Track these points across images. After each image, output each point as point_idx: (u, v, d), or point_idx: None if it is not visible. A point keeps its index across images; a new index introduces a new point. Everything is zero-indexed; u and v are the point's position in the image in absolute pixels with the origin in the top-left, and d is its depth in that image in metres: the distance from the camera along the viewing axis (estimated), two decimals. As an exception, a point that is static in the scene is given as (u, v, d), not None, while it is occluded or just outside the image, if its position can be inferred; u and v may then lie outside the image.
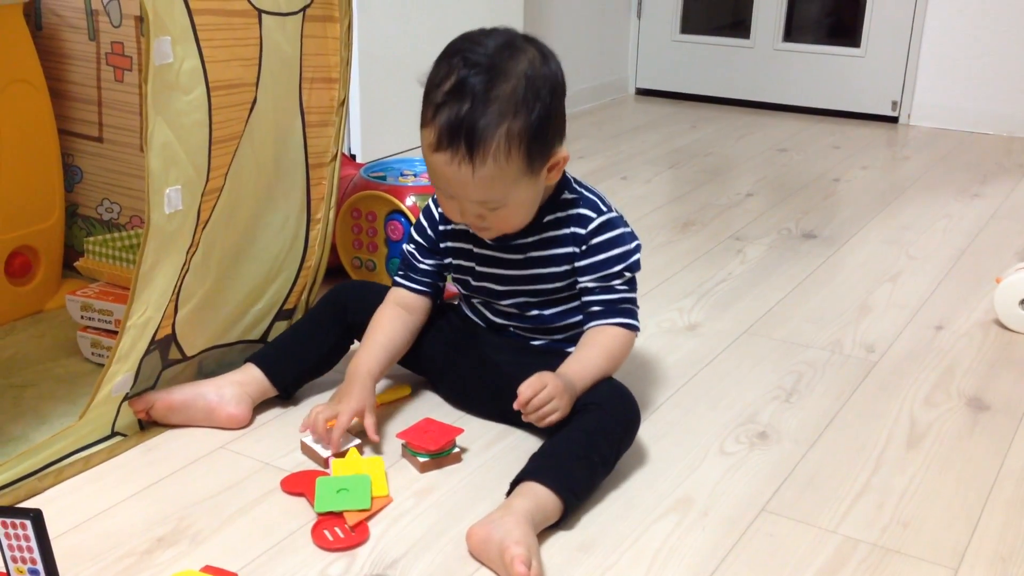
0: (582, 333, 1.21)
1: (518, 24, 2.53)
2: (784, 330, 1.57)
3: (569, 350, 1.22)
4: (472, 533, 0.99)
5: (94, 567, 0.98)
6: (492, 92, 1.05)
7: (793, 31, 3.25)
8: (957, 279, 1.79)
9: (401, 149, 2.19)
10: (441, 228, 1.25)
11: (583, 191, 1.20)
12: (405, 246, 1.29)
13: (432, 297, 1.29)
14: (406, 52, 2.17)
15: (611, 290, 1.18)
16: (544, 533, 1.03)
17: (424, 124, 1.09)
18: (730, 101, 3.30)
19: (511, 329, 1.26)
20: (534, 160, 1.09)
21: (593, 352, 1.16)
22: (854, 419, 1.30)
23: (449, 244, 1.25)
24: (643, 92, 3.48)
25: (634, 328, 1.20)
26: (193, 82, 1.12)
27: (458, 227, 1.23)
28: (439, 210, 1.24)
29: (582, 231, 1.17)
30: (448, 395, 1.31)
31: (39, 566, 0.88)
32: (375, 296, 1.31)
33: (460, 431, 1.19)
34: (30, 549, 0.89)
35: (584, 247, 1.18)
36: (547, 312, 1.23)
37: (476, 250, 1.22)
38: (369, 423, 1.17)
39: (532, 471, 1.05)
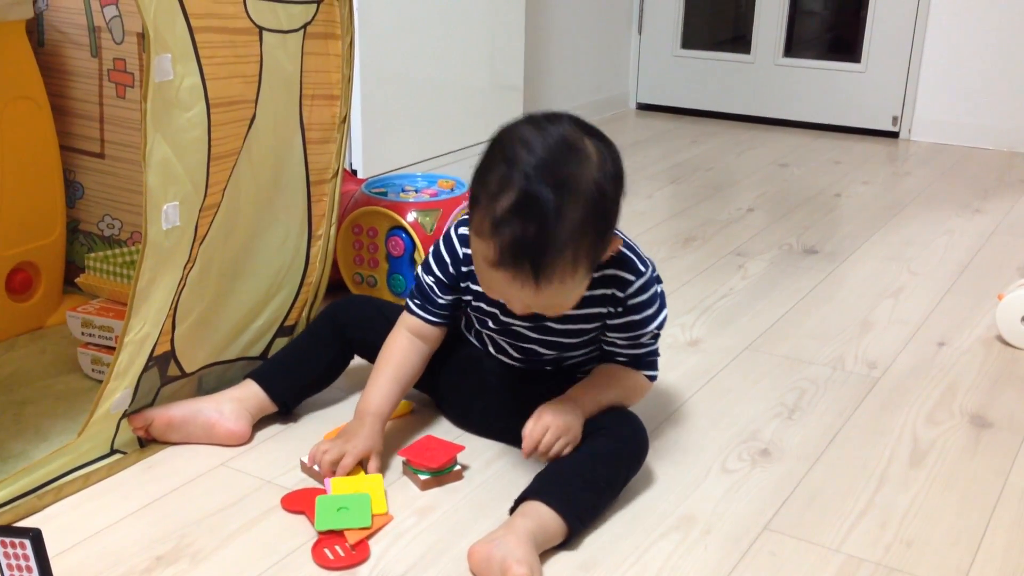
0: (591, 367, 1.21)
1: (519, 38, 2.54)
2: (786, 346, 1.56)
3: (578, 376, 1.21)
4: (473, 552, 0.98)
5: (93, 586, 0.98)
6: (562, 213, 0.96)
7: (794, 46, 3.25)
8: (959, 295, 1.79)
9: (403, 164, 2.19)
10: (464, 269, 1.17)
11: (624, 250, 1.13)
12: (424, 276, 1.21)
13: (447, 327, 1.23)
14: (408, 68, 2.18)
15: (639, 346, 1.17)
16: (545, 552, 1.03)
17: (479, 234, 1.00)
18: (731, 116, 3.30)
19: (517, 363, 1.23)
20: (596, 260, 1.05)
21: (610, 384, 1.16)
22: (856, 436, 1.29)
23: (472, 286, 1.17)
24: (644, 107, 3.48)
25: (654, 379, 1.20)
26: (193, 99, 1.12)
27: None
28: (463, 249, 1.16)
29: (621, 294, 1.13)
30: (450, 414, 1.31)
31: (38, 586, 0.88)
32: (374, 311, 1.30)
33: (461, 448, 1.19)
34: (29, 569, 0.88)
35: (620, 308, 1.14)
36: (565, 361, 1.22)
37: (501, 313, 1.17)
38: (373, 466, 1.15)
39: (538, 491, 1.04)
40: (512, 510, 1.05)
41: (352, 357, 1.33)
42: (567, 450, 1.09)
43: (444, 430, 1.28)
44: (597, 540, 1.06)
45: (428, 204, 1.61)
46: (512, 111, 2.59)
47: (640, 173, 2.63)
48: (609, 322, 1.16)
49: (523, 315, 1.11)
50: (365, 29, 1.98)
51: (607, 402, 1.15)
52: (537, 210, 0.96)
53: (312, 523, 1.07)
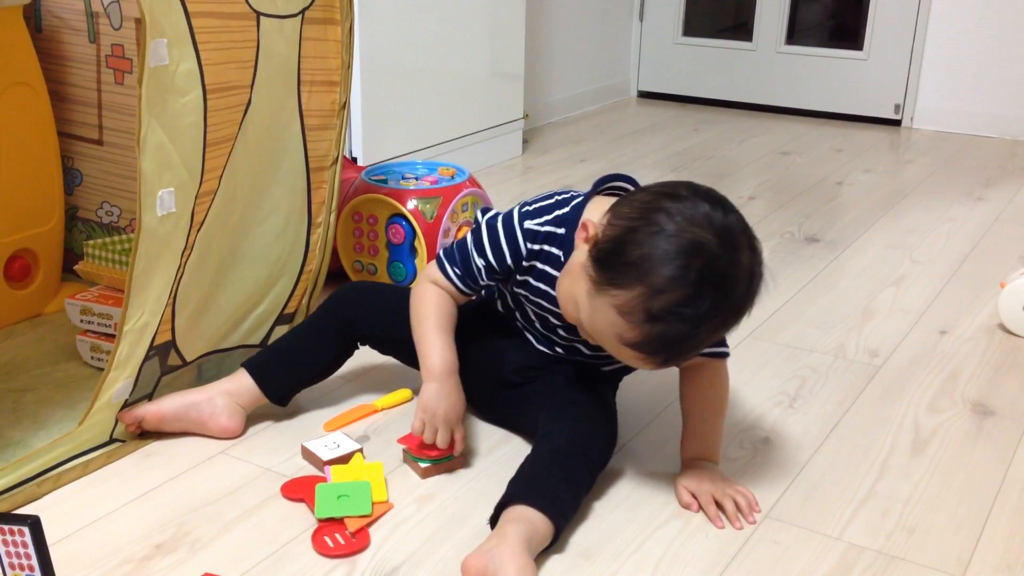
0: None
1: (519, 26, 2.52)
2: (787, 335, 1.56)
3: (606, 369, 1.20)
4: (468, 565, 0.95)
5: (92, 574, 0.97)
6: (710, 320, 0.96)
7: (796, 34, 3.24)
8: (961, 283, 1.78)
9: (403, 152, 2.18)
10: (525, 264, 1.13)
11: None
12: (474, 255, 1.14)
13: (532, 309, 1.19)
14: (408, 55, 2.17)
15: None
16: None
17: (625, 315, 0.96)
18: (732, 104, 3.29)
19: (553, 348, 1.21)
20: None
21: (709, 419, 1.14)
22: (858, 425, 1.29)
23: (531, 281, 1.14)
24: (645, 95, 3.47)
25: (724, 355, 1.15)
26: (189, 84, 1.11)
27: (547, 270, 1.12)
28: (529, 245, 1.11)
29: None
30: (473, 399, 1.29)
31: (37, 573, 0.88)
32: (384, 304, 1.25)
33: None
34: (28, 556, 0.88)
35: None
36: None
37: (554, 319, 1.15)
38: (460, 432, 1.14)
39: (520, 494, 1.01)
40: (492, 518, 1.02)
41: (355, 350, 1.29)
42: (741, 500, 1.08)
43: (444, 418, 1.27)
44: (597, 528, 1.06)
45: (428, 192, 1.60)
46: (513, 99, 2.58)
47: (641, 161, 2.62)
48: None
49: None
50: (365, 15, 1.97)
51: (719, 432, 1.15)
52: (696, 312, 0.95)
53: (312, 511, 1.06)
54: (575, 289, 1.03)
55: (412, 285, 1.21)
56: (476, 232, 1.15)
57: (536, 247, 1.12)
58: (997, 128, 2.93)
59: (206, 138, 1.14)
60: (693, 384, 1.16)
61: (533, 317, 1.19)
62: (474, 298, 1.21)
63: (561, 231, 1.10)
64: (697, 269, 0.94)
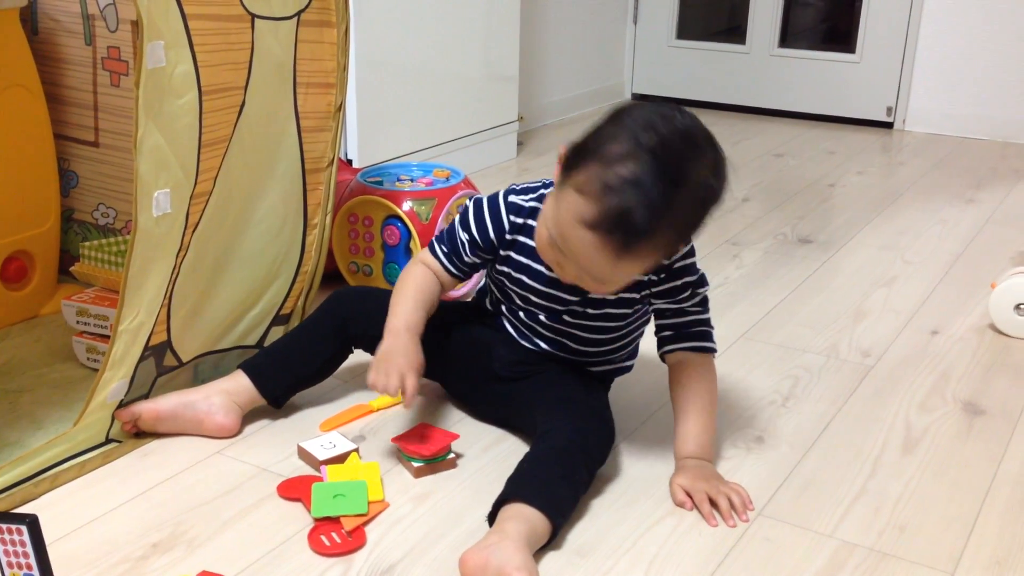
0: (611, 355, 1.22)
1: (514, 29, 2.53)
2: (780, 335, 1.57)
3: (595, 370, 1.22)
4: (467, 559, 0.95)
5: (89, 573, 0.98)
6: (670, 201, 0.98)
7: (789, 37, 3.25)
8: (952, 284, 1.79)
9: (398, 154, 2.19)
10: (508, 238, 1.17)
11: None
12: (459, 230, 1.19)
13: (459, 283, 1.25)
14: (403, 57, 2.18)
15: (684, 313, 1.17)
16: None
17: (580, 190, 0.99)
18: (726, 106, 3.31)
19: (540, 344, 1.22)
20: (670, 258, 1.09)
21: (699, 417, 1.15)
22: (850, 424, 1.30)
23: (513, 255, 1.18)
24: (639, 97, 3.48)
25: (710, 350, 1.18)
26: (186, 86, 1.12)
27: (529, 243, 1.15)
28: (512, 217, 1.17)
29: (665, 260, 1.12)
30: (454, 392, 1.31)
31: (35, 572, 0.88)
32: (377, 305, 1.26)
33: (455, 436, 1.19)
34: (26, 555, 0.88)
35: (664, 275, 1.14)
36: (593, 338, 1.20)
37: (548, 272, 1.15)
38: (411, 386, 1.12)
39: (518, 492, 1.02)
40: (491, 515, 1.03)
41: (351, 351, 1.31)
42: (735, 498, 1.09)
43: (439, 418, 1.28)
44: (592, 526, 1.07)
45: (424, 193, 1.61)
46: (507, 101, 2.59)
47: (635, 163, 2.63)
48: (654, 289, 1.15)
49: (567, 283, 1.11)
50: (360, 18, 1.97)
51: (710, 428, 1.16)
52: (650, 192, 0.97)
53: (308, 510, 1.07)
54: (546, 215, 1.06)
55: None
56: (464, 211, 1.20)
57: (520, 221, 1.16)
58: (988, 130, 2.95)
59: (201, 139, 1.15)
60: (681, 383, 1.17)
61: (518, 301, 1.20)
62: (464, 288, 1.24)
63: None
64: (649, 147, 0.97)
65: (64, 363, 1.40)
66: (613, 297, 1.16)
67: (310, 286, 1.44)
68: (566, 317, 1.18)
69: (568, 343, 1.20)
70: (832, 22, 3.48)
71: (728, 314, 1.65)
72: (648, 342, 1.52)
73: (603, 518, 1.08)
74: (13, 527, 0.88)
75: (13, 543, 0.88)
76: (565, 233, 1.02)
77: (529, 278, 1.17)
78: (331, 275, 1.62)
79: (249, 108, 1.23)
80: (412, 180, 1.69)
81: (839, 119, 3.15)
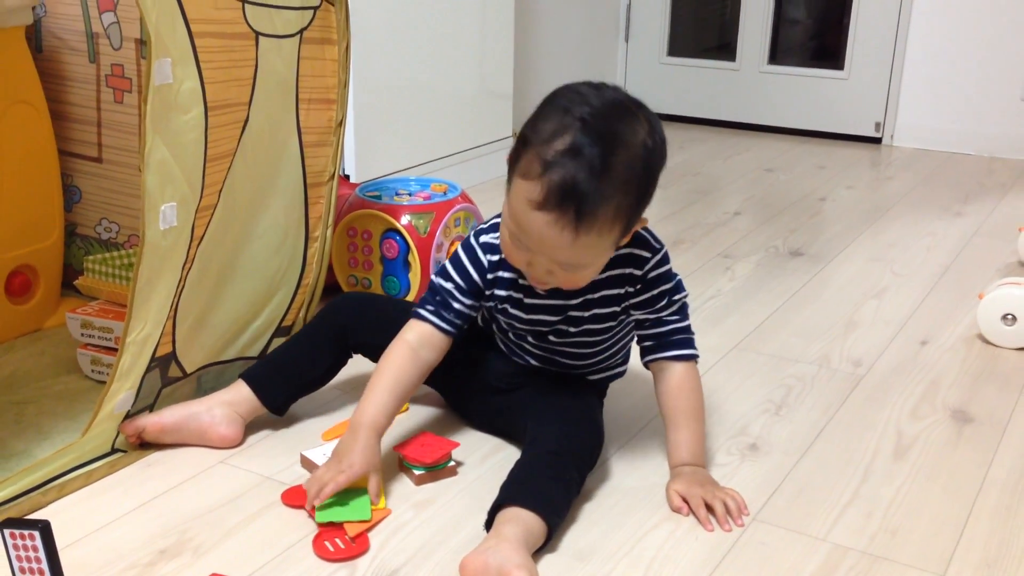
0: (602, 364, 1.24)
1: (508, 47, 2.57)
2: (773, 345, 1.60)
3: (592, 378, 1.25)
4: (467, 564, 0.96)
5: (98, 578, 1.00)
6: (610, 163, 1.00)
7: (778, 54, 3.30)
8: (941, 295, 1.83)
9: (395, 170, 2.22)
10: (490, 276, 1.18)
11: (637, 230, 1.15)
12: (440, 282, 1.19)
13: (456, 338, 1.20)
14: (399, 75, 2.21)
15: (662, 323, 1.18)
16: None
17: (525, 176, 1.02)
18: (717, 122, 3.35)
19: (531, 361, 1.25)
20: (628, 231, 1.08)
21: (689, 428, 1.17)
22: (842, 431, 1.32)
23: (497, 292, 1.19)
24: (631, 114, 3.52)
25: (691, 357, 1.19)
26: (192, 102, 1.15)
27: (507, 276, 1.18)
28: (488, 257, 1.18)
29: (638, 272, 1.16)
30: (452, 401, 1.33)
31: (46, 576, 0.90)
32: (375, 312, 1.30)
33: (456, 445, 1.22)
34: (38, 560, 0.90)
35: (639, 285, 1.16)
36: (580, 352, 1.22)
37: (527, 300, 1.18)
38: (373, 486, 1.11)
39: (514, 497, 1.04)
40: (487, 522, 1.05)
41: (349, 358, 1.33)
42: (730, 503, 1.11)
43: (440, 427, 1.30)
44: (591, 530, 1.09)
45: (422, 207, 1.64)
46: (502, 117, 2.62)
47: (628, 178, 2.66)
48: (631, 301, 1.17)
49: (545, 292, 1.14)
50: (358, 37, 2.00)
51: (700, 434, 1.17)
52: (589, 157, 0.99)
53: (312, 517, 1.09)
54: (504, 215, 1.08)
55: (406, 298, 1.25)
56: (440, 267, 1.21)
57: (496, 258, 1.17)
58: (975, 145, 2.99)
59: (207, 154, 1.17)
60: (668, 392, 1.18)
61: (505, 327, 1.23)
62: (457, 338, 1.21)
63: None
64: (580, 117, 1.00)
65: (68, 375, 1.42)
66: (590, 314, 1.18)
67: (311, 298, 1.47)
68: (552, 337, 1.21)
69: (557, 359, 1.23)
70: (820, 40, 3.53)
71: (721, 325, 1.67)
72: (636, 348, 1.54)
73: (601, 524, 1.11)
74: (26, 533, 0.90)
75: (26, 548, 0.90)
76: (521, 223, 1.04)
77: (512, 307, 1.19)
78: (330, 288, 1.64)
79: (253, 123, 1.26)
80: (410, 194, 1.72)
81: (828, 135, 3.19)
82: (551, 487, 1.06)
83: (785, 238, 2.16)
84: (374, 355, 1.32)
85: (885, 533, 1.09)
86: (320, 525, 1.07)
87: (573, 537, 1.08)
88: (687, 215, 2.33)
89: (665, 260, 1.18)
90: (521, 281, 1.17)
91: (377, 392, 1.16)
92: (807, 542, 1.08)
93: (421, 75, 2.28)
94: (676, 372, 1.18)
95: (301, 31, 1.32)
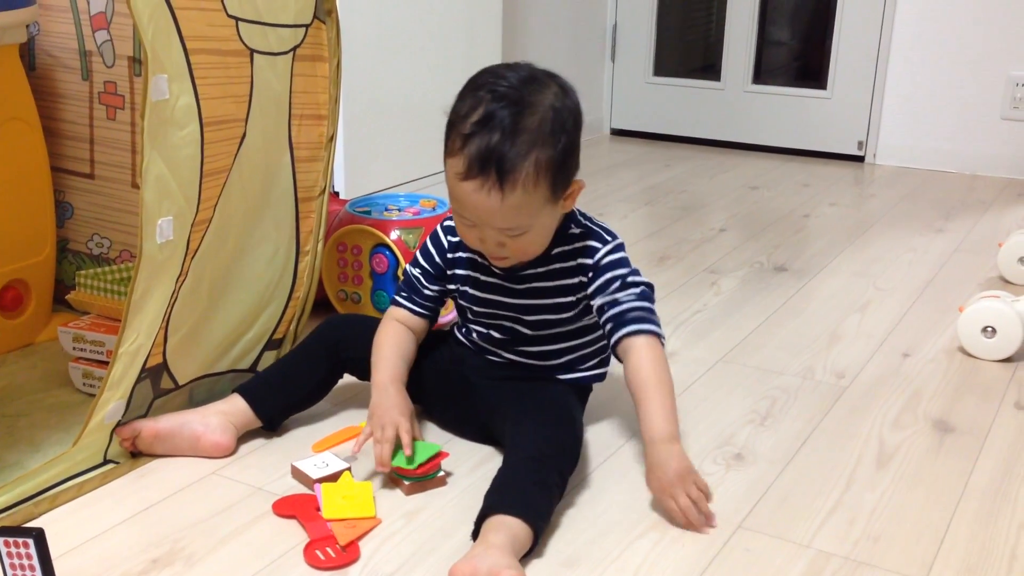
0: (573, 361, 1.27)
1: (496, 66, 2.60)
2: (758, 357, 1.62)
3: (561, 377, 1.27)
4: (456, 570, 0.98)
5: (91, 587, 1.00)
6: (521, 123, 1.09)
7: (762, 74, 3.34)
8: (923, 309, 1.85)
9: (385, 186, 2.24)
10: (449, 256, 1.28)
11: (590, 224, 1.25)
12: (410, 268, 1.31)
13: (431, 321, 1.32)
14: (390, 92, 2.24)
15: (618, 303, 1.20)
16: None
17: (450, 153, 1.12)
18: (702, 141, 3.39)
19: (502, 355, 1.29)
20: (557, 188, 1.14)
21: (657, 399, 1.16)
22: (826, 441, 1.34)
23: (457, 271, 1.28)
24: (618, 132, 3.56)
25: (653, 332, 1.19)
26: (187, 118, 1.17)
27: (465, 256, 1.26)
28: (448, 238, 1.28)
29: (589, 261, 1.21)
30: (438, 418, 1.35)
31: (41, 583, 0.91)
32: (367, 331, 1.33)
33: (446, 455, 1.23)
34: (32, 568, 0.91)
35: (592, 273, 1.21)
36: (544, 347, 1.26)
37: (483, 278, 1.25)
38: (409, 428, 1.20)
39: (497, 504, 1.06)
40: (474, 532, 1.06)
41: (341, 376, 1.36)
42: (701, 504, 1.12)
43: (429, 438, 1.32)
44: (578, 539, 1.11)
45: (411, 222, 1.66)
46: (490, 135, 2.64)
47: (615, 195, 2.69)
48: (588, 290, 1.22)
49: (502, 270, 1.21)
50: (348, 54, 2.03)
51: (667, 409, 1.16)
52: (498, 121, 1.08)
53: (304, 527, 1.10)
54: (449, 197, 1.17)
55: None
56: (414, 256, 1.33)
57: (456, 239, 1.25)
58: (956, 163, 3.04)
59: (203, 169, 1.19)
60: (633, 366, 1.19)
61: (471, 316, 1.29)
62: (431, 320, 1.32)
63: None
64: (490, 90, 1.11)
65: (60, 388, 1.42)
66: (543, 302, 1.22)
67: (302, 311, 1.48)
68: (508, 324, 1.26)
69: (524, 348, 1.27)
70: (804, 60, 3.58)
71: (707, 338, 1.70)
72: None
73: (588, 532, 1.12)
74: (20, 540, 0.91)
75: (20, 556, 0.91)
76: (456, 197, 1.13)
77: (470, 287, 1.26)
78: (320, 303, 1.65)
79: (249, 139, 1.28)
80: (399, 210, 1.74)
81: (812, 153, 3.23)
82: (534, 492, 1.08)
83: (770, 254, 2.19)
84: (364, 371, 1.35)
85: (868, 539, 1.11)
86: (327, 519, 1.10)
87: (560, 545, 1.09)
88: (673, 231, 2.35)
89: (618, 250, 1.23)
90: (480, 260, 1.24)
91: (386, 357, 1.26)
92: (791, 549, 1.09)
93: (410, 93, 2.31)
94: (637, 347, 1.18)
95: (294, 48, 1.34)
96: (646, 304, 1.21)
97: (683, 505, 1.11)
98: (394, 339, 1.28)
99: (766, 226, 2.42)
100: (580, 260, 1.22)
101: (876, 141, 3.13)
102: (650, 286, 1.24)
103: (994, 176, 2.98)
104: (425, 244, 1.30)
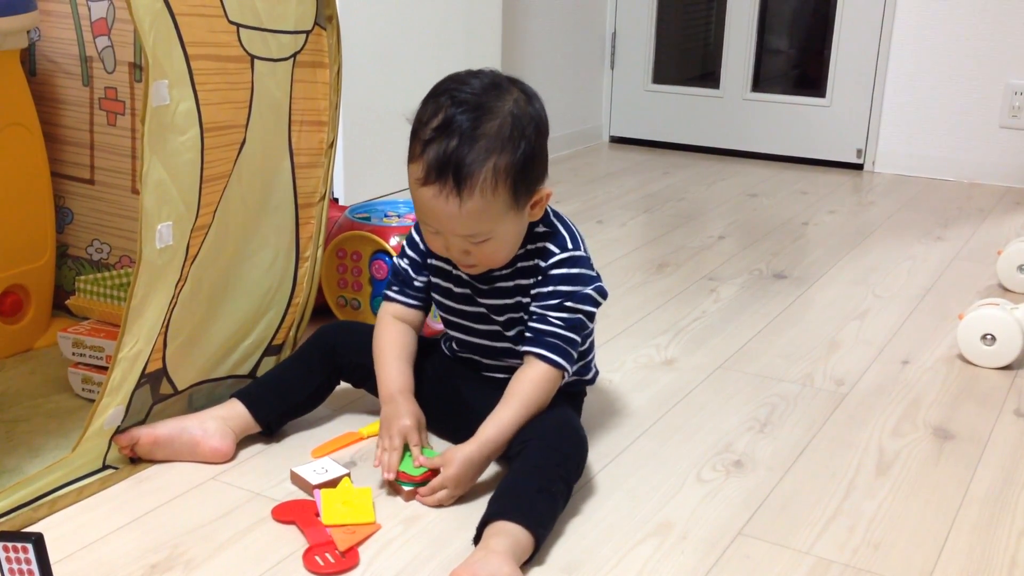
0: None
1: (496, 73, 2.61)
2: (757, 365, 1.62)
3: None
4: None
5: (90, 592, 1.00)
6: (479, 129, 1.09)
7: (761, 82, 3.35)
8: (922, 316, 1.86)
9: (384, 193, 2.24)
10: (424, 250, 1.28)
11: (558, 226, 1.22)
12: (398, 261, 1.31)
13: (425, 312, 1.32)
14: (389, 99, 2.24)
15: (546, 320, 1.19)
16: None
17: (412, 159, 1.13)
18: (701, 149, 3.39)
19: (485, 363, 1.29)
20: (519, 195, 1.13)
21: (509, 408, 1.17)
22: (825, 448, 1.34)
23: (433, 262, 1.28)
24: (617, 140, 3.57)
25: (557, 364, 1.18)
26: (188, 123, 1.17)
27: (442, 264, 1.27)
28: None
29: (543, 263, 1.20)
30: (434, 428, 1.35)
31: (39, 589, 0.91)
32: (363, 337, 1.33)
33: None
34: (31, 572, 0.91)
35: (540, 277, 1.20)
36: (512, 345, 1.26)
37: (454, 272, 1.25)
38: (419, 438, 1.20)
39: (500, 510, 1.06)
40: (476, 537, 1.07)
41: (337, 383, 1.36)
42: (444, 495, 1.16)
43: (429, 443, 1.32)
44: (578, 545, 1.10)
45: (410, 228, 1.66)
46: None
47: (614, 203, 2.70)
48: (532, 292, 1.21)
49: (470, 274, 1.21)
50: (347, 61, 2.03)
51: (511, 424, 1.16)
52: (456, 127, 1.09)
53: (303, 533, 1.10)
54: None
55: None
56: (401, 249, 1.33)
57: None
58: (955, 171, 3.05)
59: (203, 174, 1.19)
60: (514, 377, 1.20)
61: (449, 317, 1.29)
62: (425, 312, 1.32)
63: None
64: (452, 97, 1.11)
65: (59, 394, 1.42)
66: (506, 302, 1.22)
67: (301, 317, 1.48)
68: (483, 327, 1.26)
69: (503, 345, 1.26)
70: (802, 68, 3.59)
71: (706, 345, 1.70)
72: (623, 367, 1.56)
73: (588, 538, 1.12)
74: (19, 545, 0.91)
75: (19, 561, 0.91)
76: (417, 204, 1.14)
77: (443, 280, 1.27)
78: (319, 309, 1.65)
79: (249, 145, 1.28)
80: (399, 216, 1.74)
81: (810, 161, 3.24)
82: (537, 499, 1.08)
83: (769, 261, 2.19)
84: (357, 376, 1.35)
85: (868, 547, 1.11)
86: (327, 526, 1.10)
87: (560, 551, 1.09)
88: (671, 239, 2.36)
89: (573, 262, 1.20)
90: (453, 270, 1.24)
91: (389, 363, 1.26)
92: (791, 556, 1.09)
93: (409, 100, 2.30)
94: (532, 365, 1.19)
95: (294, 54, 1.35)
96: (569, 336, 1.19)
97: (434, 485, 1.15)
98: (394, 341, 1.27)
99: (765, 234, 2.42)
100: (536, 261, 1.20)
101: (875, 149, 3.14)
102: (590, 315, 1.21)
103: (993, 184, 2.99)
104: (410, 233, 1.31)
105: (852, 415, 1.45)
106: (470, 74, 1.15)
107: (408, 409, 1.21)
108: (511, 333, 1.25)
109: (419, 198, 1.13)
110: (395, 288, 1.31)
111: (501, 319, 1.24)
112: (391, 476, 1.17)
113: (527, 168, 1.13)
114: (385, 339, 1.28)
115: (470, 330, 1.28)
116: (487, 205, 1.11)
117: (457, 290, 1.26)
